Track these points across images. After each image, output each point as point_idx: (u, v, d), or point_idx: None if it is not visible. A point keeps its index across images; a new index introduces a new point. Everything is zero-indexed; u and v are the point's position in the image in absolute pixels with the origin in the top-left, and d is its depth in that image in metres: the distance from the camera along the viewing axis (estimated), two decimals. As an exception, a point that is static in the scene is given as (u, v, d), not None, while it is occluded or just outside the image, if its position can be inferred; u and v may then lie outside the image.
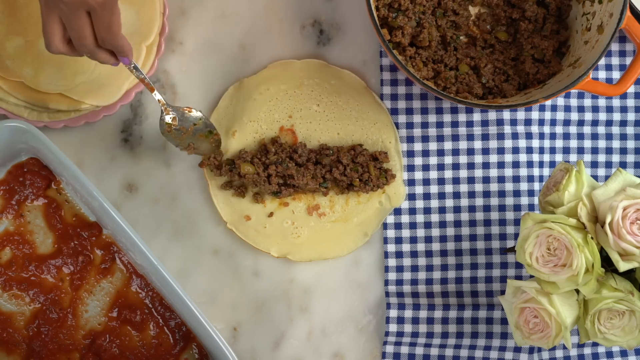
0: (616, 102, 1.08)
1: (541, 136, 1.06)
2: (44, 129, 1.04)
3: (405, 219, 1.06)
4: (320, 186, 1.04)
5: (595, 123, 1.08)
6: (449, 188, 1.06)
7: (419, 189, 1.06)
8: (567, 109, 1.07)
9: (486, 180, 1.06)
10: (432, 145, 1.06)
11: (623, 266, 0.85)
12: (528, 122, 1.06)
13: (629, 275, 0.90)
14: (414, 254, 1.06)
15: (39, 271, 1.04)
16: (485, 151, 1.06)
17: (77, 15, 0.84)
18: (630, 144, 1.08)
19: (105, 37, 0.87)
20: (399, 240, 1.06)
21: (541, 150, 1.06)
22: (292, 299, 1.07)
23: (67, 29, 0.86)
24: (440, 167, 1.06)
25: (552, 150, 1.07)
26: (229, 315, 1.06)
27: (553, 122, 1.07)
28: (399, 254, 1.06)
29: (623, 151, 1.08)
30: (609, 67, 1.08)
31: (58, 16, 0.85)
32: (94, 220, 1.05)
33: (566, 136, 1.07)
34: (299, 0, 1.07)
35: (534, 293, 0.89)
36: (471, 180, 1.06)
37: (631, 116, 1.08)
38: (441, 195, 1.06)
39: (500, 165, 1.06)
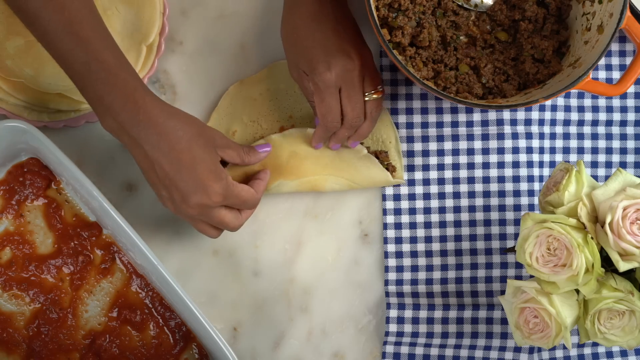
0: (616, 102, 1.08)
1: (541, 136, 1.06)
2: (44, 129, 1.04)
3: (405, 219, 1.06)
4: (320, 186, 1.04)
5: (595, 123, 1.08)
6: (449, 188, 1.06)
7: (419, 189, 1.06)
8: (567, 109, 1.07)
9: (486, 180, 1.06)
10: (432, 145, 1.06)
11: (623, 266, 0.85)
12: (528, 122, 1.06)
13: (629, 275, 0.90)
14: (414, 254, 1.06)
15: (39, 271, 1.04)
16: (485, 151, 1.06)
17: (211, 216, 0.94)
18: (630, 144, 1.08)
19: (245, 207, 0.96)
20: (399, 240, 1.06)
21: (541, 150, 1.06)
22: (292, 299, 1.07)
23: (211, 224, 0.96)
24: (440, 167, 1.06)
25: (552, 150, 1.07)
26: (229, 315, 1.06)
27: (553, 122, 1.07)
28: (399, 254, 1.06)
29: (623, 151, 1.08)
30: (609, 67, 1.08)
31: (200, 220, 0.95)
32: (94, 220, 1.05)
33: (566, 136, 1.07)
34: (299, 0, 1.07)
35: (534, 293, 0.89)
36: (471, 180, 1.06)
37: (631, 116, 1.08)
38: (441, 195, 1.06)
39: (500, 165, 1.06)
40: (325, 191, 1.04)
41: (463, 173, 1.06)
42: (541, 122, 1.06)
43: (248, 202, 0.95)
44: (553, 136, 1.07)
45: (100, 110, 0.89)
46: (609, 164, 1.08)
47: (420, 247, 1.06)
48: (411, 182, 1.06)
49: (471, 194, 1.06)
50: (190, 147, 0.90)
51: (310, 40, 0.94)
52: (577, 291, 0.89)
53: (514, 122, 1.06)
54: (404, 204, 1.06)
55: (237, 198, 0.94)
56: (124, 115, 0.88)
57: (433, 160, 1.06)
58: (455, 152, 1.06)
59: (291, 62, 0.98)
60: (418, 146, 1.07)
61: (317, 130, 0.99)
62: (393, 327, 1.06)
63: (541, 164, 1.06)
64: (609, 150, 1.08)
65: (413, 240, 1.06)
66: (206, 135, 0.92)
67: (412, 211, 1.06)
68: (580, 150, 1.08)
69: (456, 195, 1.06)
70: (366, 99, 0.97)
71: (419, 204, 1.06)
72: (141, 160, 0.90)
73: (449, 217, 1.06)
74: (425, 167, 1.06)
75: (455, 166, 1.06)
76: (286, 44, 0.97)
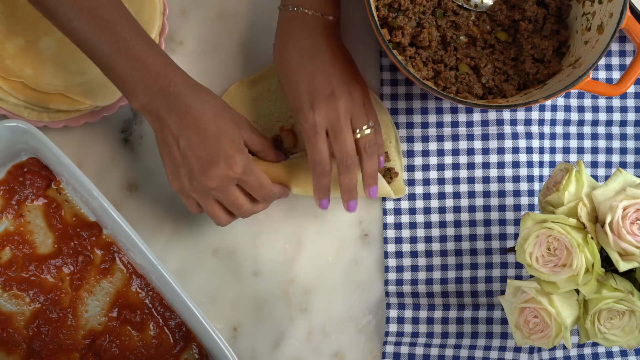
0: (616, 102, 1.08)
1: (541, 136, 1.06)
2: (44, 129, 1.04)
3: (405, 219, 1.06)
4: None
5: (595, 123, 1.08)
6: (449, 188, 1.06)
7: (419, 189, 1.06)
8: (567, 109, 1.07)
9: (486, 180, 1.06)
10: (432, 145, 1.06)
11: (623, 266, 0.85)
12: (528, 122, 1.06)
13: (629, 275, 0.90)
14: (414, 254, 1.06)
15: (39, 271, 1.04)
16: (485, 151, 1.06)
17: (227, 193, 0.93)
18: (630, 144, 1.08)
19: (260, 194, 0.95)
20: (399, 240, 1.06)
21: (541, 150, 1.06)
22: (292, 299, 1.07)
23: (225, 205, 0.95)
24: (440, 167, 1.06)
25: (552, 150, 1.07)
26: (229, 315, 1.06)
27: (553, 122, 1.07)
28: (399, 254, 1.06)
29: (623, 151, 1.08)
30: (609, 67, 1.08)
31: (213, 199, 0.94)
32: (94, 220, 1.05)
33: (566, 136, 1.08)
34: (299, 0, 1.07)
35: (534, 293, 0.89)
36: (471, 180, 1.06)
37: (631, 116, 1.08)
38: (441, 195, 1.06)
39: (500, 165, 1.06)
40: None
41: (463, 173, 1.06)
42: (541, 122, 1.06)
43: (264, 187, 0.95)
44: (553, 136, 1.07)
45: (129, 88, 0.91)
46: (609, 164, 1.08)
47: (420, 247, 1.06)
48: (411, 182, 1.06)
49: (471, 194, 1.06)
50: (216, 118, 0.92)
51: (298, 77, 0.95)
52: (577, 291, 0.89)
53: (514, 122, 1.06)
54: (404, 204, 1.06)
55: (256, 178, 0.94)
56: (155, 88, 0.90)
57: (433, 160, 1.06)
58: (455, 152, 1.06)
59: (281, 85, 0.98)
60: (418, 146, 1.07)
61: (313, 181, 0.96)
62: (393, 327, 1.06)
63: (541, 164, 1.06)
64: (609, 150, 1.08)
65: (413, 240, 1.06)
66: (232, 113, 0.95)
67: (412, 211, 1.06)
68: (580, 150, 1.08)
69: (456, 195, 1.06)
70: (358, 136, 0.95)
71: (419, 203, 1.06)
72: (165, 134, 0.92)
73: (449, 217, 1.06)
74: (425, 167, 1.06)
75: (455, 166, 1.06)
76: (277, 70, 0.98)
